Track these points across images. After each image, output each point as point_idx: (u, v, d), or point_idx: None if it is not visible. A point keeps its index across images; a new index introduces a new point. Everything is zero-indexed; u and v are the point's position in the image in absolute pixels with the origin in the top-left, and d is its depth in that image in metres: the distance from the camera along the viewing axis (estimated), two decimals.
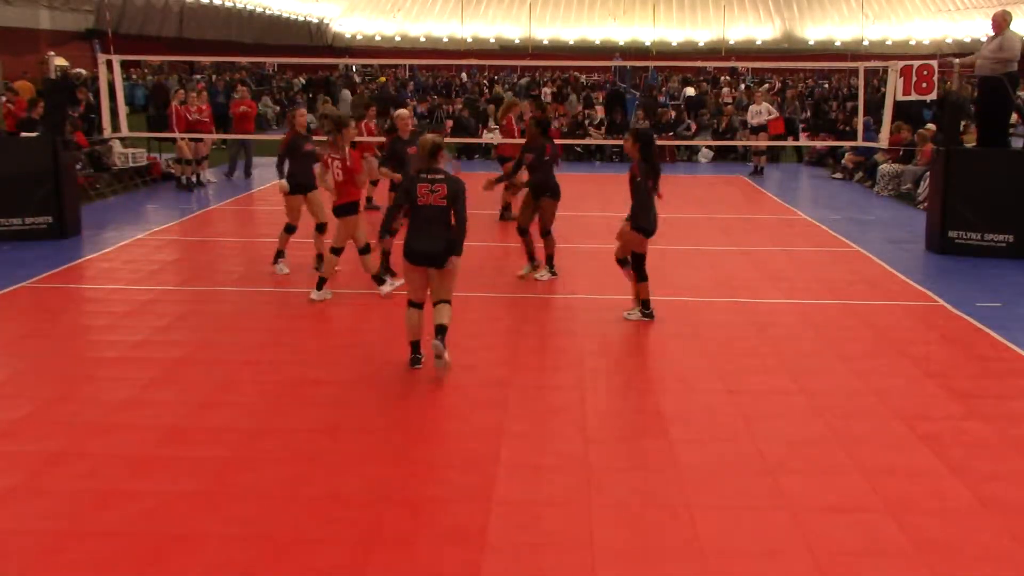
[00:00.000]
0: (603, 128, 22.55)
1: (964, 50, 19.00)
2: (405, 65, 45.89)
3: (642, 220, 8.34)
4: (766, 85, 32.74)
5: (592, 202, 15.48)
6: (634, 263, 8.50)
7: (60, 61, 34.61)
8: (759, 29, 70.95)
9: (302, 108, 11.11)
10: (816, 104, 28.35)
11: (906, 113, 19.47)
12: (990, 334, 8.28)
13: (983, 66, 11.75)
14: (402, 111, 11.01)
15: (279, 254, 10.39)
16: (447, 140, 18.45)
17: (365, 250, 9.15)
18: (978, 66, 11.93)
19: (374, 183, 13.55)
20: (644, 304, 8.57)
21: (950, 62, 17.09)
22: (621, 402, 6.67)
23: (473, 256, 11.35)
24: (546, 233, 10.11)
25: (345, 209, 9.09)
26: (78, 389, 6.84)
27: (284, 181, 9.94)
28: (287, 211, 10.21)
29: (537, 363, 7.57)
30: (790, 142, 22.52)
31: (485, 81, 38.42)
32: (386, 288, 9.33)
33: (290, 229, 10.26)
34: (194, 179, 16.89)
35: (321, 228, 10.12)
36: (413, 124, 10.87)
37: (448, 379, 7.03)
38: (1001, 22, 11.70)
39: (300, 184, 10.03)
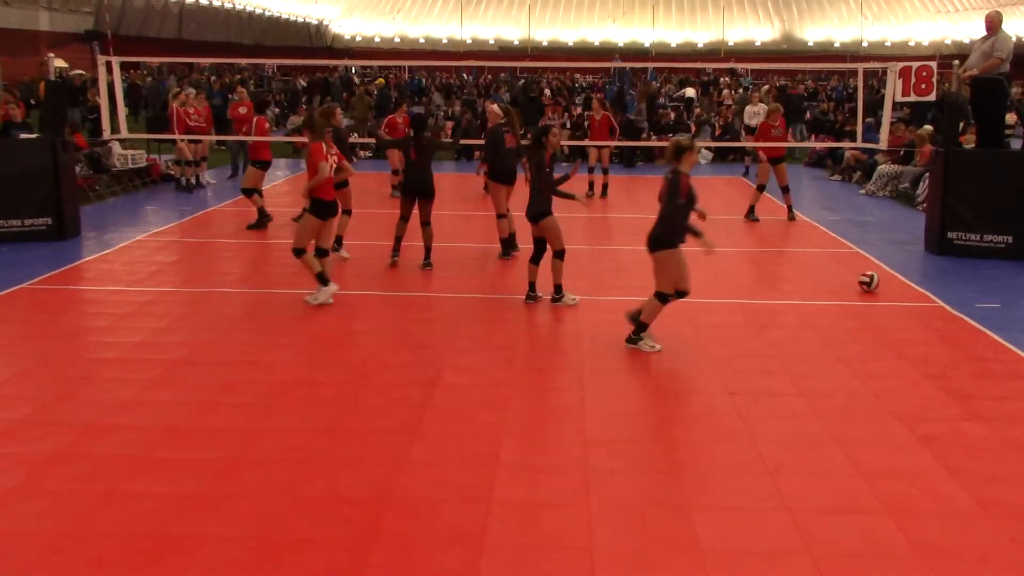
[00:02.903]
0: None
1: (963, 51, 19.02)
2: (404, 66, 45.89)
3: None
4: (766, 87, 32.72)
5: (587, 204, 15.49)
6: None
7: (60, 63, 34.66)
8: (758, 31, 70.99)
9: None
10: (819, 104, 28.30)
11: (919, 114, 19.55)
12: (989, 335, 8.29)
13: (973, 64, 11.75)
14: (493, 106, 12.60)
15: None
16: (448, 140, 18.55)
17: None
18: (968, 65, 11.92)
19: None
20: (531, 286, 9.25)
21: (950, 63, 17.14)
22: (621, 403, 6.67)
23: (472, 256, 11.37)
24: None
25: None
26: (78, 390, 6.84)
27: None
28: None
29: (537, 364, 7.57)
30: (790, 142, 22.50)
31: (476, 83, 38.26)
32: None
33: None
34: (193, 180, 16.90)
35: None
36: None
37: (448, 379, 7.04)
38: (994, 22, 11.70)
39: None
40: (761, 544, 4.73)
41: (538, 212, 8.89)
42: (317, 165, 8.88)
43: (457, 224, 13.26)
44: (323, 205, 9.01)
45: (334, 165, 9.08)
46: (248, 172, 13.49)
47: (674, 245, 7.69)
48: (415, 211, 10.70)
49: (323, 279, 9.01)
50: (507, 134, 11.28)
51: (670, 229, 7.68)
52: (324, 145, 9.01)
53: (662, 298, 7.74)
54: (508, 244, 11.34)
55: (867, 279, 9.81)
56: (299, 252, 9.01)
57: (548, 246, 9.03)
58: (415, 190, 10.60)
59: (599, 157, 16.84)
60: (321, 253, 9.14)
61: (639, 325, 7.80)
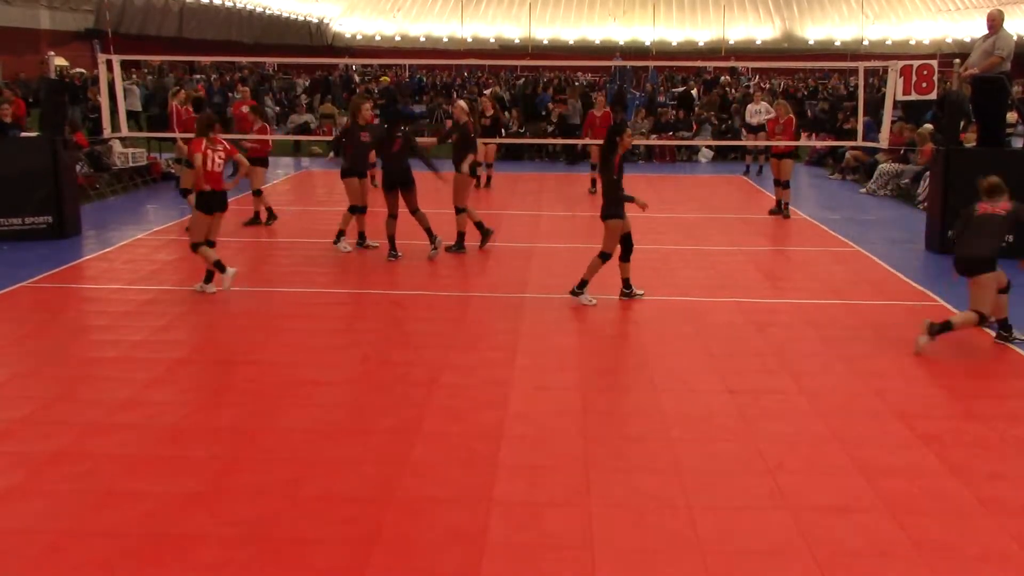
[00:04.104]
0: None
1: (964, 50, 19.00)
2: (405, 65, 45.86)
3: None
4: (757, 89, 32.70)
5: (583, 203, 15.46)
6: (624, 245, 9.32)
7: (60, 61, 34.60)
8: (759, 29, 70.95)
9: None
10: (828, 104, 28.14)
11: (914, 114, 19.52)
12: (990, 334, 8.28)
13: (974, 62, 11.72)
14: (460, 102, 12.52)
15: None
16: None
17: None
18: (969, 63, 11.89)
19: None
20: (625, 283, 9.47)
21: (951, 62, 17.11)
22: (621, 402, 6.67)
23: (472, 254, 11.36)
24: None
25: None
26: (78, 389, 6.84)
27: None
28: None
29: (537, 363, 7.56)
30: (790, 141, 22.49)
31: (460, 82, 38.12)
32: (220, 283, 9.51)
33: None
34: None
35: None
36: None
37: (448, 379, 7.04)
38: (996, 20, 11.67)
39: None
40: (762, 543, 4.72)
41: (606, 213, 9.15)
42: (193, 158, 9.25)
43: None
44: (206, 198, 9.32)
45: (216, 160, 9.37)
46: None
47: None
48: (402, 208, 10.88)
49: (220, 265, 9.43)
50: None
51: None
52: (204, 141, 9.33)
53: (982, 319, 7.81)
54: (462, 239, 11.49)
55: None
56: (195, 247, 9.45)
57: (601, 245, 9.19)
58: (396, 181, 10.84)
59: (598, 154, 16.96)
60: (209, 244, 9.48)
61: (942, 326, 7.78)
